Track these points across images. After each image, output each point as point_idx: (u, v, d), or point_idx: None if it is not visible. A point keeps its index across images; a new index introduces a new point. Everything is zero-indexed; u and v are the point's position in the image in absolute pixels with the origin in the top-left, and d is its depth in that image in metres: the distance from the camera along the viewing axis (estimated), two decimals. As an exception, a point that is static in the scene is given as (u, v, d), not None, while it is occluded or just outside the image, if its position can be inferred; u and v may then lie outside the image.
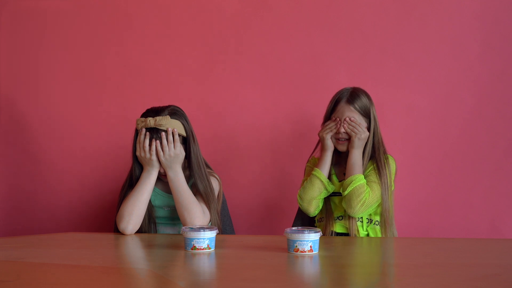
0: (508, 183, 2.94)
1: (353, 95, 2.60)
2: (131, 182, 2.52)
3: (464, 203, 2.96)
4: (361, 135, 2.54)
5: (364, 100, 2.59)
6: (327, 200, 2.60)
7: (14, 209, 3.10)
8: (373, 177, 2.54)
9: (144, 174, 2.47)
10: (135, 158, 2.50)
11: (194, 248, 2.03)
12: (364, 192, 2.48)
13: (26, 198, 3.10)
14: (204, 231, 2.04)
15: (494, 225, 2.94)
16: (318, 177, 2.55)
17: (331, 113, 2.62)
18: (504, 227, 2.93)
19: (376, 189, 2.51)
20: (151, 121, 2.44)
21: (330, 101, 2.63)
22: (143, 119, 2.47)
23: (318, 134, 2.62)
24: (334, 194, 2.59)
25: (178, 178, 2.46)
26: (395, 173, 2.62)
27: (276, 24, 3.02)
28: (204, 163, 2.55)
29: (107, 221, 3.04)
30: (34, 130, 3.09)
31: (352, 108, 2.57)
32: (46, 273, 1.78)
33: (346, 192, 2.49)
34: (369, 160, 2.59)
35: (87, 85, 3.09)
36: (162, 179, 2.53)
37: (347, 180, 2.50)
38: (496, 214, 2.95)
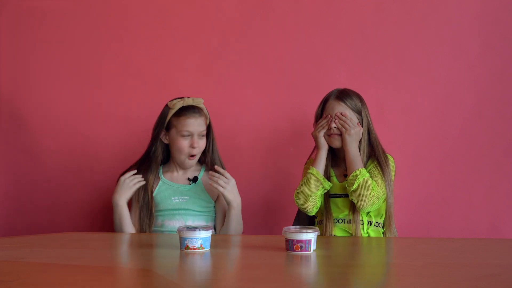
0: (508, 183, 2.94)
1: (342, 92, 2.60)
2: (148, 157, 2.66)
3: (464, 203, 2.96)
4: (351, 131, 2.52)
5: (354, 97, 2.59)
6: (327, 202, 2.59)
7: (14, 209, 3.10)
8: (376, 172, 2.53)
9: (117, 215, 2.58)
10: (156, 137, 2.65)
11: (187, 247, 2.04)
12: (372, 184, 2.47)
13: (26, 198, 3.09)
14: (199, 231, 2.05)
15: (494, 225, 2.93)
16: (313, 175, 2.54)
17: (321, 113, 2.62)
18: (504, 227, 2.93)
19: (381, 184, 2.50)
20: (189, 100, 2.61)
21: (320, 103, 2.64)
22: (179, 99, 2.62)
23: (312, 134, 2.62)
24: (335, 195, 2.59)
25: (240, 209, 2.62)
26: (394, 173, 2.62)
27: (276, 24, 3.02)
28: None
29: (107, 221, 3.03)
30: (34, 130, 3.08)
31: (341, 103, 2.57)
32: (46, 273, 1.78)
33: (354, 187, 2.46)
34: (368, 159, 2.59)
35: (88, 85, 3.08)
36: (187, 163, 2.64)
37: (352, 175, 2.48)
38: (496, 214, 2.94)
